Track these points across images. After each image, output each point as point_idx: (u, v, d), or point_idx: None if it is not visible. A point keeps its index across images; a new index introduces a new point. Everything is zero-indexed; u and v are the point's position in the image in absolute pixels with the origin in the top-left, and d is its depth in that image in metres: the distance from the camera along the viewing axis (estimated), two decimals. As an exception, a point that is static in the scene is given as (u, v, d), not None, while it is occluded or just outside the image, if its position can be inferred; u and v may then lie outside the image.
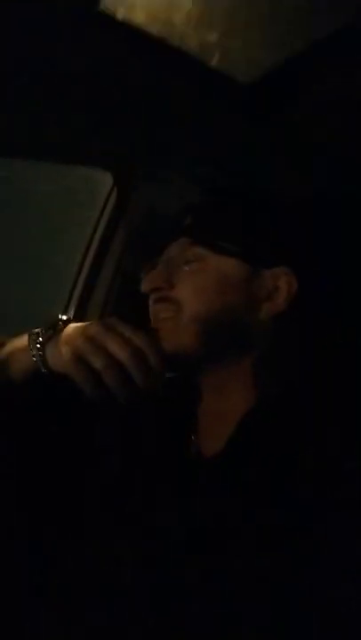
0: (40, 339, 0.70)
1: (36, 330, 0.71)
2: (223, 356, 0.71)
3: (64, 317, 0.73)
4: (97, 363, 0.64)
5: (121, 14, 0.70)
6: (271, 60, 0.77)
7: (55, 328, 0.71)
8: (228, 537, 0.59)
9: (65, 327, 0.71)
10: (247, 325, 0.71)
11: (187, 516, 0.64)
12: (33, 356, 0.69)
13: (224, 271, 0.71)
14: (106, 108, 0.85)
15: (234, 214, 0.75)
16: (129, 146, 0.98)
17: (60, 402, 0.75)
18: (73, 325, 0.71)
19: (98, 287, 1.21)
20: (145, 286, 0.74)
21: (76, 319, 1.14)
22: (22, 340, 0.72)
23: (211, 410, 0.74)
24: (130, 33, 0.72)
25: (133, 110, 0.85)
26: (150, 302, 0.75)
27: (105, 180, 1.19)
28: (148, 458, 0.74)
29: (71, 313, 1.20)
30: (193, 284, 0.71)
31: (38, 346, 0.69)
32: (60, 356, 0.67)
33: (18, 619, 0.66)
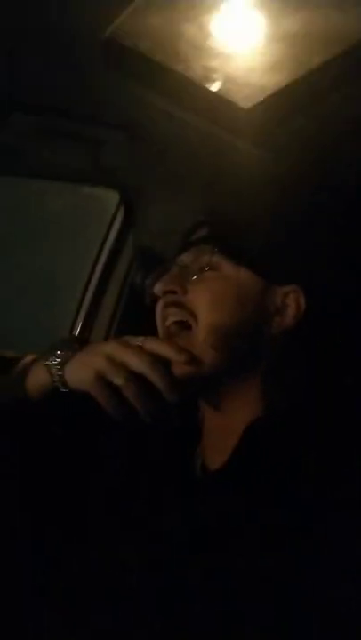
0: (59, 359, 0.70)
1: (54, 350, 0.72)
2: (239, 370, 0.71)
3: (79, 337, 0.75)
4: (117, 379, 0.65)
5: (127, 42, 0.74)
6: (272, 84, 0.80)
7: (72, 348, 0.72)
8: (231, 539, 0.60)
9: (82, 347, 0.72)
10: (259, 339, 0.71)
11: (191, 526, 0.65)
12: (52, 375, 0.70)
13: (241, 282, 0.71)
14: (113, 130, 0.88)
15: (252, 229, 0.75)
16: (137, 166, 1.00)
17: (74, 416, 0.76)
18: (91, 345, 0.72)
19: (105, 302, 1.23)
20: (158, 288, 0.73)
21: (82, 333, 1.19)
22: (39, 359, 0.73)
23: (215, 422, 0.74)
24: (136, 59, 0.75)
25: (140, 133, 0.88)
26: (160, 306, 0.74)
27: (112, 197, 1.21)
28: (154, 471, 0.74)
29: (78, 327, 1.21)
30: (209, 292, 0.70)
31: (58, 366, 0.70)
32: (80, 375, 0.68)
33: (21, 621, 0.66)
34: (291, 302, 0.72)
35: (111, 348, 0.68)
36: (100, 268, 1.24)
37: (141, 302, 0.82)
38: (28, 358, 0.76)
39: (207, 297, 0.70)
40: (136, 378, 0.65)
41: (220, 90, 0.80)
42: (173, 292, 0.72)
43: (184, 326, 0.71)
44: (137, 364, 0.66)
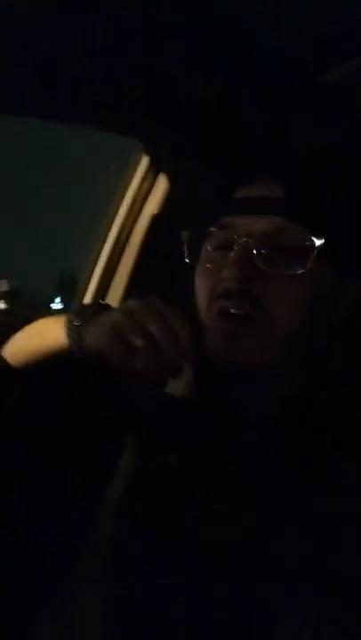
0: (79, 322, 0.66)
1: (74, 313, 0.68)
2: (296, 365, 0.66)
3: (103, 302, 0.70)
4: (135, 339, 0.59)
5: None
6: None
7: (95, 311, 0.67)
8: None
9: (103, 311, 0.67)
10: (321, 334, 0.66)
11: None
12: (70, 338, 0.65)
13: (321, 280, 0.64)
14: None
15: (342, 209, 0.66)
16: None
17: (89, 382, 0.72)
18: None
19: (123, 259, 1.14)
20: (229, 275, 0.63)
21: (98, 294, 1.12)
22: (58, 322, 0.69)
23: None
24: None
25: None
26: (222, 291, 0.65)
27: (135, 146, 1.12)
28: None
29: (93, 286, 1.14)
30: (292, 297, 0.63)
31: (77, 329, 0.66)
32: (96, 332, 0.63)
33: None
34: (350, 294, 0.67)
35: (133, 305, 0.62)
36: (118, 221, 1.15)
37: (165, 264, 0.74)
38: (47, 322, 0.72)
39: (287, 296, 0.63)
40: (153, 342, 0.59)
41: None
42: (247, 280, 0.63)
43: (248, 321, 0.63)
44: (154, 328, 0.59)
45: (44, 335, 0.70)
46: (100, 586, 0.63)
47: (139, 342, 0.58)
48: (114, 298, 1.12)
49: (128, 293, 1.10)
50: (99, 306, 0.70)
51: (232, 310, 0.64)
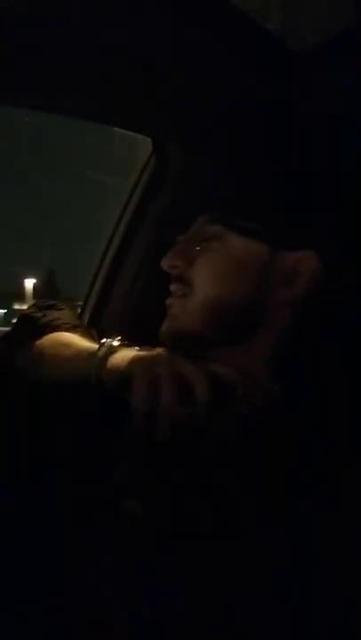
0: (100, 354, 0.68)
1: (97, 345, 0.70)
2: (233, 340, 0.70)
3: (119, 337, 0.72)
4: (168, 392, 0.59)
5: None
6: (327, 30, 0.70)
7: (111, 348, 0.69)
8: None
9: (123, 345, 0.69)
10: (261, 310, 0.69)
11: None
12: (90, 369, 0.68)
13: (242, 253, 0.69)
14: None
15: (260, 191, 0.72)
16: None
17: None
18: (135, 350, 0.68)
19: (130, 257, 1.15)
20: (164, 263, 0.73)
21: (103, 292, 1.13)
22: (82, 348, 0.73)
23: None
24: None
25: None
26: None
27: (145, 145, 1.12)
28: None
29: (99, 284, 1.15)
30: (208, 266, 0.70)
31: (98, 363, 0.68)
32: (116, 371, 0.65)
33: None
34: (303, 269, 0.68)
35: (174, 358, 0.64)
36: (126, 220, 1.15)
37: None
38: (70, 343, 0.75)
39: (207, 270, 0.70)
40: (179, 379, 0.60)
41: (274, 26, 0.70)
42: (177, 267, 0.72)
43: (180, 295, 0.72)
44: (201, 386, 0.60)
45: (70, 359, 0.72)
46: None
47: (169, 396, 0.59)
48: (117, 297, 1.13)
49: (131, 294, 1.12)
50: (121, 341, 0.71)
51: (172, 290, 0.73)
